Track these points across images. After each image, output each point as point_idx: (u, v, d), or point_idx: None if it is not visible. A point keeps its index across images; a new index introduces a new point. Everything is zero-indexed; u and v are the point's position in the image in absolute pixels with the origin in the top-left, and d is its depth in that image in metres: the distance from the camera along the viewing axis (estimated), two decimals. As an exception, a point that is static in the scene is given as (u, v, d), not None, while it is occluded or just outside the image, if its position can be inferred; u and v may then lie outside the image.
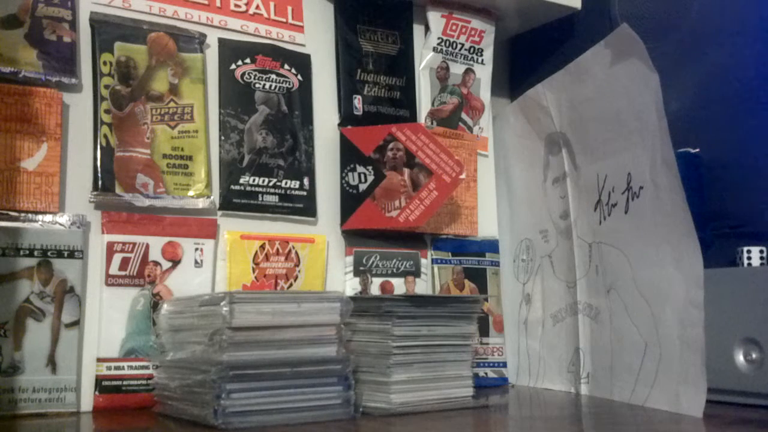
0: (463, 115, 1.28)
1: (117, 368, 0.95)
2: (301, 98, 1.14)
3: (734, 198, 1.03)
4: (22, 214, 0.92)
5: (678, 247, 0.91)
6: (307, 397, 0.84)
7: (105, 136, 0.99)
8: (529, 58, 1.40)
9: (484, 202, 1.28)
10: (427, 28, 1.26)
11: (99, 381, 0.94)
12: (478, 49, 1.30)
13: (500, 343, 1.24)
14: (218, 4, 1.11)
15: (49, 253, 0.92)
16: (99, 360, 0.95)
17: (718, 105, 1.06)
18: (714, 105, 1.07)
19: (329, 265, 1.13)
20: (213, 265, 1.04)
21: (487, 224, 1.28)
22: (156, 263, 1.00)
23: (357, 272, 1.14)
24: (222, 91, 1.08)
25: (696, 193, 1.02)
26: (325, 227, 1.14)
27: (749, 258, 0.97)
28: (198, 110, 1.05)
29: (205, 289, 1.02)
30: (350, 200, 1.15)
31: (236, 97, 1.09)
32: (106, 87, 1.00)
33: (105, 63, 1.00)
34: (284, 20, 1.16)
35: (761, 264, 0.97)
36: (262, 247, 1.07)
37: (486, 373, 1.21)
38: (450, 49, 1.27)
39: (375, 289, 1.15)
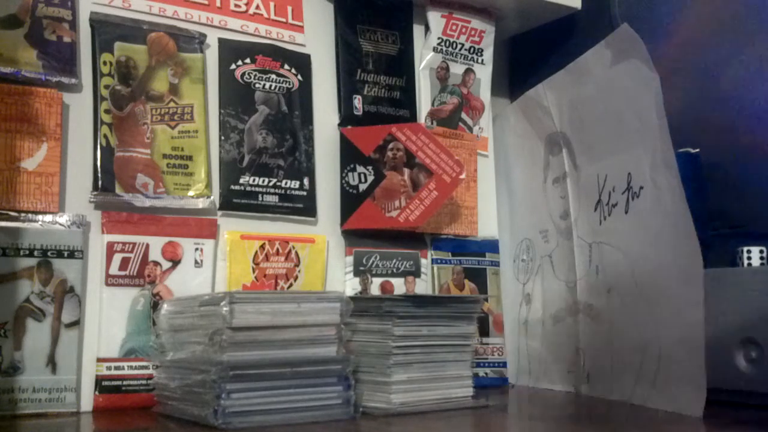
0: (463, 115, 1.28)
1: (117, 368, 0.95)
2: (301, 98, 1.14)
3: (734, 198, 1.03)
4: (22, 214, 0.92)
5: (678, 247, 0.91)
6: (307, 397, 0.84)
7: (105, 136, 0.99)
8: (529, 58, 1.40)
9: (484, 202, 1.28)
10: (427, 28, 1.26)
11: (99, 381, 0.94)
12: (478, 49, 1.30)
13: (500, 343, 1.24)
14: (218, 4, 1.11)
15: (49, 253, 0.92)
16: (99, 360, 0.95)
17: (718, 105, 1.06)
18: (714, 105, 1.07)
19: (329, 265, 1.13)
20: (213, 265, 1.04)
21: (487, 224, 1.28)
22: (156, 263, 1.00)
23: (357, 272, 1.14)
24: (222, 91, 1.08)
25: (696, 193, 1.02)
26: (325, 227, 1.14)
27: (749, 258, 0.97)
28: (198, 110, 1.05)
29: (205, 289, 1.02)
30: (350, 200, 1.15)
31: (236, 97, 1.09)
32: (106, 87, 1.00)
33: (105, 63, 1.00)
34: (284, 20, 1.16)
35: (761, 264, 0.97)
36: (262, 247, 1.07)
37: (486, 373, 1.21)
38: (450, 49, 1.27)
39: (375, 289, 1.15)
